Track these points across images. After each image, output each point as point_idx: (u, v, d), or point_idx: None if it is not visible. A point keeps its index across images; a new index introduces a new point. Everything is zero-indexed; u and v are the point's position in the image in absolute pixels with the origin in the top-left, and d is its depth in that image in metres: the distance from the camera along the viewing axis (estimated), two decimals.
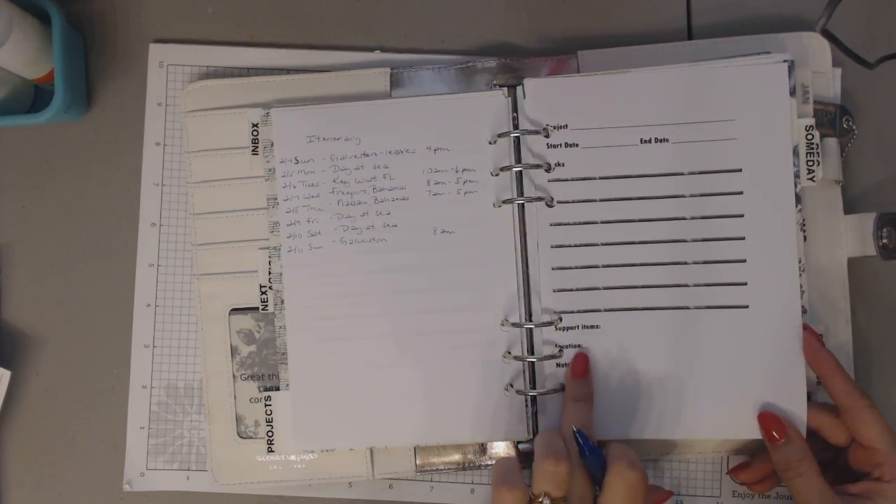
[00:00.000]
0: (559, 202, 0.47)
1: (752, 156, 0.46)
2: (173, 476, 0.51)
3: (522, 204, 0.47)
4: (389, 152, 0.48)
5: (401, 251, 0.48)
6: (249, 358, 0.50)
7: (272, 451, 0.49)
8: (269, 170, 0.49)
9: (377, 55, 0.52)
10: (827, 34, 0.43)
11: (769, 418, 0.44)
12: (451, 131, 0.48)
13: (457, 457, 0.49)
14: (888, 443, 0.42)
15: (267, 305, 0.49)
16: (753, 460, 0.47)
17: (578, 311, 0.47)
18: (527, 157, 0.47)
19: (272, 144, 0.49)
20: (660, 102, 0.46)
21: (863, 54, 0.46)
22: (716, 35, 0.51)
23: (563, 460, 0.40)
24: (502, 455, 0.49)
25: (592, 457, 0.41)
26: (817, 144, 0.47)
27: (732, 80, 0.46)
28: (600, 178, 0.47)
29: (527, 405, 0.47)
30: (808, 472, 0.42)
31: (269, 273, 0.49)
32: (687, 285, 0.46)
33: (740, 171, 0.46)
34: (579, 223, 0.47)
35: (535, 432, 0.47)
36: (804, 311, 0.46)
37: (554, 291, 0.47)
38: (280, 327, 0.48)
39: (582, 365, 0.46)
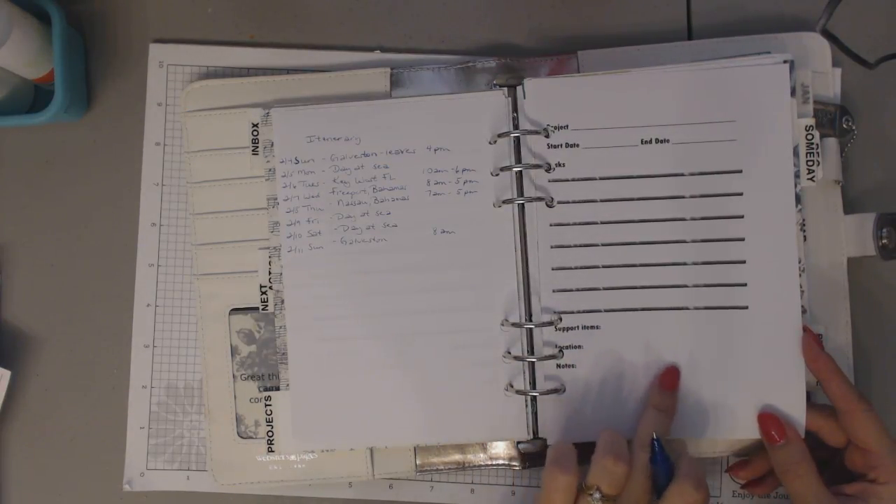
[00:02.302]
0: (559, 202, 0.47)
1: (752, 157, 0.46)
2: (173, 476, 0.51)
3: (522, 204, 0.47)
4: (389, 152, 0.48)
5: (401, 251, 0.48)
6: (249, 358, 0.50)
7: (272, 451, 0.49)
8: (269, 170, 0.49)
9: (377, 55, 0.52)
10: (827, 34, 0.43)
11: (769, 419, 0.44)
12: (451, 131, 0.48)
13: (457, 457, 0.49)
14: (884, 446, 0.42)
15: (267, 305, 0.49)
16: (752, 458, 0.48)
17: (578, 312, 0.47)
18: (527, 158, 0.47)
19: (272, 144, 0.49)
20: (660, 103, 0.46)
21: (863, 54, 0.46)
22: (716, 35, 0.51)
23: (623, 461, 0.40)
24: (502, 454, 0.49)
25: (662, 466, 0.41)
26: (817, 144, 0.47)
27: (733, 80, 0.46)
28: (600, 179, 0.47)
29: (527, 405, 0.47)
30: (806, 474, 0.42)
31: (269, 273, 0.49)
32: (687, 286, 0.46)
33: (740, 171, 0.46)
34: (579, 223, 0.47)
35: (536, 432, 0.47)
36: (803, 312, 0.46)
37: (554, 292, 0.47)
38: (280, 327, 0.48)
39: (672, 378, 0.45)
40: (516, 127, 0.48)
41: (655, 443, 0.42)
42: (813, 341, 0.45)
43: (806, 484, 0.42)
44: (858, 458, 0.43)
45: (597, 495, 0.40)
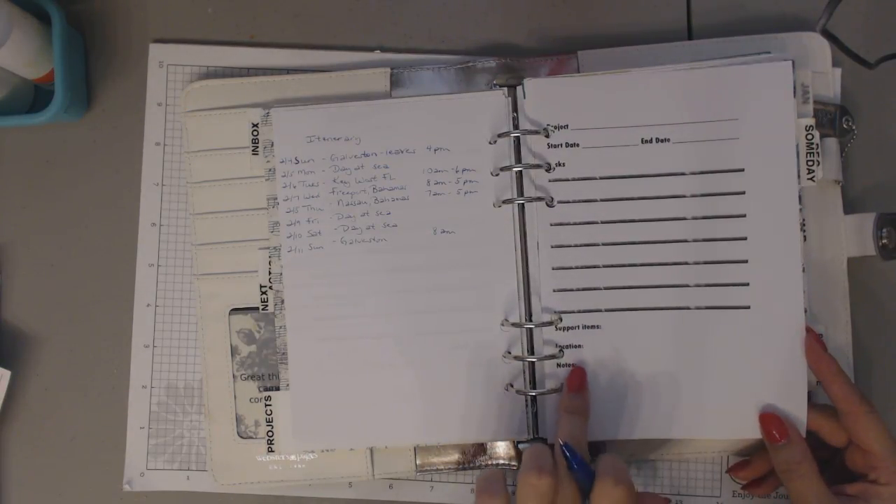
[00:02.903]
0: (559, 202, 0.47)
1: (754, 155, 0.46)
2: (173, 476, 0.51)
3: (522, 204, 0.47)
4: (389, 152, 0.48)
5: (401, 251, 0.48)
6: (249, 358, 0.50)
7: (272, 451, 0.49)
8: (269, 170, 0.49)
9: (377, 55, 0.52)
10: (827, 34, 0.43)
11: (770, 419, 0.44)
12: (451, 131, 0.48)
13: (457, 457, 0.49)
14: (885, 447, 0.42)
15: (267, 305, 0.49)
16: (753, 458, 0.48)
17: (579, 311, 0.47)
18: (527, 157, 0.47)
19: (272, 144, 0.49)
20: (661, 102, 0.46)
21: (863, 54, 0.46)
22: (716, 35, 0.51)
23: (546, 474, 0.40)
24: (502, 454, 0.49)
25: (581, 470, 0.40)
26: (817, 144, 0.47)
27: (736, 79, 0.46)
28: (601, 178, 0.47)
29: (527, 405, 0.47)
30: (807, 474, 0.42)
31: (269, 273, 0.49)
32: (688, 286, 0.46)
33: (742, 170, 0.46)
34: (580, 223, 0.47)
35: (536, 432, 0.47)
36: (804, 312, 0.45)
37: (554, 291, 0.47)
38: (280, 327, 0.48)
39: (578, 379, 0.46)
40: (516, 127, 0.48)
41: (564, 449, 0.41)
42: (816, 342, 0.45)
43: (807, 484, 0.42)
44: (859, 459, 0.43)
45: None
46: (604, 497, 0.39)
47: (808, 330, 0.45)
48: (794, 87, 0.46)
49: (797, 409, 0.45)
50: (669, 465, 0.50)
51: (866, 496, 0.42)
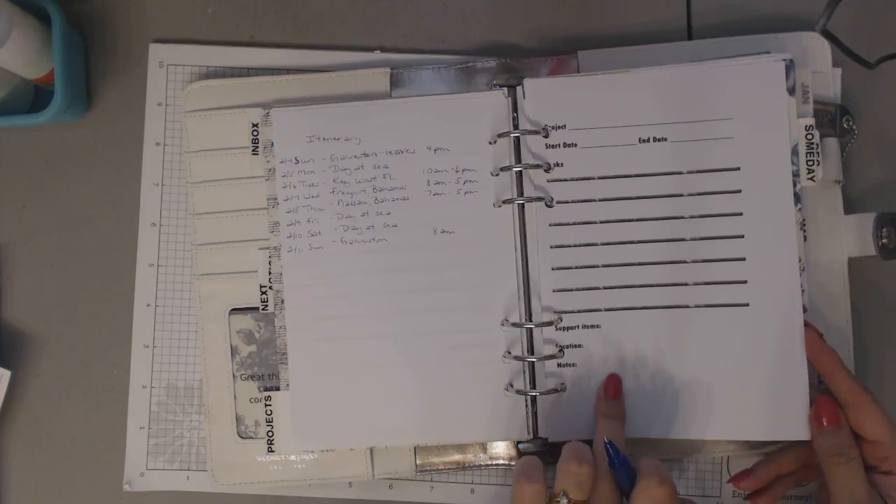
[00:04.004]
0: (558, 202, 0.47)
1: (749, 154, 0.46)
2: (173, 476, 0.51)
3: (522, 204, 0.47)
4: (389, 152, 0.48)
5: (401, 251, 0.48)
6: (249, 358, 0.50)
7: (272, 451, 0.49)
8: (269, 170, 0.49)
9: (377, 55, 0.52)
10: (827, 34, 0.43)
11: (826, 403, 0.43)
12: (451, 131, 0.48)
13: (457, 457, 0.49)
14: (892, 436, 0.42)
15: (267, 305, 0.49)
16: (755, 468, 0.47)
17: (578, 311, 0.47)
18: (526, 157, 0.47)
19: (272, 144, 0.49)
20: (658, 102, 0.46)
21: (863, 54, 0.46)
22: (716, 35, 0.51)
23: (586, 463, 0.40)
24: (502, 454, 0.49)
25: (622, 469, 0.41)
26: (817, 144, 0.47)
27: (730, 79, 0.46)
28: (599, 178, 0.47)
29: (527, 405, 0.47)
30: (856, 459, 0.42)
31: (269, 273, 0.49)
32: (686, 284, 0.46)
33: (738, 169, 0.46)
34: (579, 223, 0.47)
35: (535, 432, 0.47)
36: (804, 310, 0.45)
37: (554, 291, 0.47)
38: (280, 327, 0.48)
39: (614, 386, 0.46)
40: (516, 127, 0.48)
41: (609, 446, 0.41)
42: (815, 336, 0.45)
43: (856, 469, 0.42)
44: (868, 451, 0.43)
45: (564, 501, 0.40)
46: (647, 496, 0.39)
47: (807, 324, 0.45)
48: (794, 87, 0.46)
49: (798, 405, 0.45)
50: (668, 465, 0.50)
51: (887, 489, 0.42)
